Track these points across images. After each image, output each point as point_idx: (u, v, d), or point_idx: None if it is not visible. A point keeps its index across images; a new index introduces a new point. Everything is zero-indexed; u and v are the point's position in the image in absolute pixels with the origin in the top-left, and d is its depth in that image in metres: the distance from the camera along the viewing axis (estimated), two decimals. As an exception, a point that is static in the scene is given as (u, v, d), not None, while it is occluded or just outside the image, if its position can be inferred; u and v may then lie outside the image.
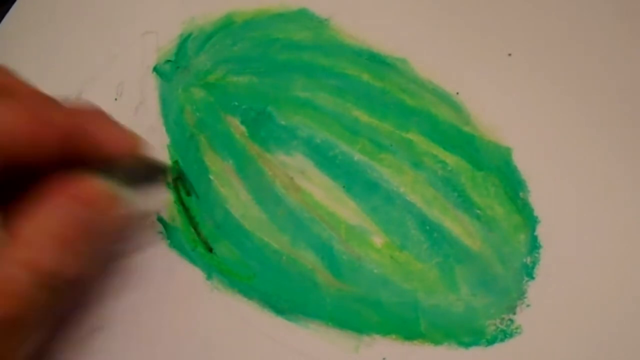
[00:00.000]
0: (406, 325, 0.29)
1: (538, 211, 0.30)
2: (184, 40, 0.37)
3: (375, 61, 0.35)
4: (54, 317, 0.25)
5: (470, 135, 0.32)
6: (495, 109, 0.33)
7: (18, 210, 0.22)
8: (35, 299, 0.21)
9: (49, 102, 0.24)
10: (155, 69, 0.36)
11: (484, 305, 0.29)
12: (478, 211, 0.31)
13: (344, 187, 0.31)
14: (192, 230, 0.31)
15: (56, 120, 0.23)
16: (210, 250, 0.30)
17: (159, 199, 0.32)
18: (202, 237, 0.31)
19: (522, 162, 0.31)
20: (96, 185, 0.24)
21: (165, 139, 0.34)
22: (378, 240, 0.30)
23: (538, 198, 0.31)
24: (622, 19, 0.34)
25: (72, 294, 0.25)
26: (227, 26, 0.37)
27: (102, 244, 0.25)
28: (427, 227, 0.30)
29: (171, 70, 0.36)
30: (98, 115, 0.26)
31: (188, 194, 0.32)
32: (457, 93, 0.33)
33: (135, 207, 0.29)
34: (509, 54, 0.34)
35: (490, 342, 0.28)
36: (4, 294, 0.21)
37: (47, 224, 0.22)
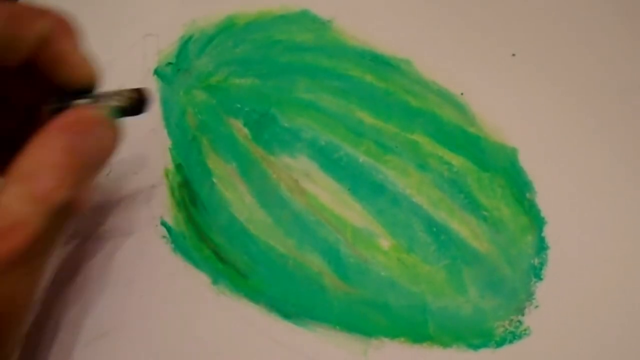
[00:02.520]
0: (414, 328, 0.28)
1: (545, 212, 0.30)
2: (185, 43, 0.37)
3: (379, 62, 0.35)
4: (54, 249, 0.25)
5: (475, 136, 0.32)
6: (500, 109, 0.33)
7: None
8: (42, 229, 0.22)
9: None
10: (156, 72, 0.36)
11: (493, 307, 0.29)
12: (485, 213, 0.30)
13: (349, 189, 0.31)
14: (198, 235, 0.31)
15: (34, 25, 0.24)
16: (219, 257, 0.30)
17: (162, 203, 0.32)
18: (211, 245, 0.30)
19: (528, 162, 0.31)
20: (87, 112, 0.25)
21: (167, 142, 0.33)
22: (385, 242, 0.30)
23: (545, 199, 0.30)
24: (625, 19, 0.35)
25: (71, 220, 0.25)
26: (228, 28, 0.37)
27: (97, 168, 0.25)
28: (434, 229, 0.30)
29: (172, 72, 0.36)
30: (66, 27, 0.26)
31: (193, 203, 0.31)
32: (462, 94, 0.33)
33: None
34: (513, 54, 0.34)
35: (499, 343, 0.28)
36: (12, 229, 0.21)
37: (44, 155, 0.23)
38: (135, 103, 0.27)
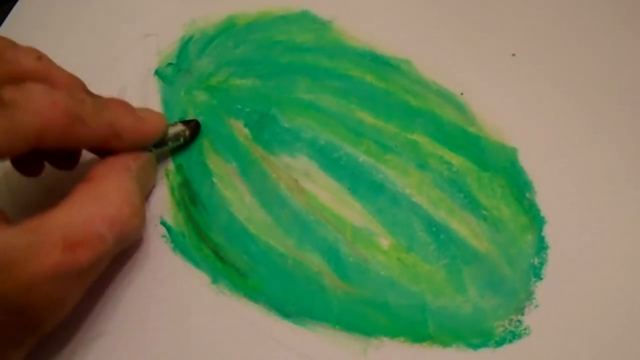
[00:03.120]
0: (414, 328, 0.28)
1: (545, 212, 0.30)
2: (185, 43, 0.37)
3: (379, 62, 0.35)
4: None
5: (475, 136, 0.32)
6: (500, 109, 0.33)
7: None
8: (111, 249, 0.25)
9: (83, 94, 0.27)
10: (156, 72, 0.36)
11: (492, 307, 0.29)
12: (484, 212, 0.30)
13: (349, 188, 0.31)
14: (198, 235, 0.31)
15: (90, 120, 0.26)
16: (218, 256, 0.30)
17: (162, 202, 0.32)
18: (210, 244, 0.30)
19: (528, 162, 0.31)
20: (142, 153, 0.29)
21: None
22: (384, 242, 0.30)
23: (544, 198, 0.31)
24: (625, 19, 0.35)
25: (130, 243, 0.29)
26: (229, 28, 0.37)
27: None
28: (434, 229, 0.30)
29: (173, 73, 0.36)
30: (127, 110, 0.29)
31: (193, 202, 0.32)
32: (462, 93, 0.33)
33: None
34: (513, 54, 0.34)
35: (499, 343, 0.28)
36: (87, 243, 0.24)
37: (118, 183, 0.26)
38: (190, 136, 0.33)
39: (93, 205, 0.25)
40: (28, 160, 0.29)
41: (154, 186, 0.31)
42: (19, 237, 0.22)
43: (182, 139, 0.32)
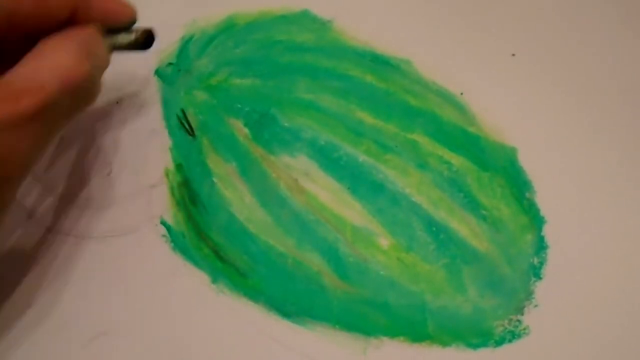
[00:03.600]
0: (414, 327, 0.28)
1: (544, 211, 0.30)
2: (185, 43, 0.37)
3: (379, 62, 0.35)
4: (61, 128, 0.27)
5: (475, 135, 0.32)
6: (500, 109, 0.33)
7: None
8: (54, 97, 0.25)
9: None
10: (157, 72, 0.36)
11: (492, 307, 0.29)
12: (484, 212, 0.30)
13: (349, 188, 0.31)
14: (197, 234, 0.31)
15: None
16: (218, 256, 0.30)
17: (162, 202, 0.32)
18: (210, 244, 0.30)
19: (528, 162, 0.31)
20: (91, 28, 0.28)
21: (168, 142, 0.33)
22: (384, 241, 0.30)
23: (544, 198, 0.31)
24: (625, 19, 0.35)
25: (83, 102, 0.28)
26: (229, 28, 0.37)
27: (100, 72, 0.29)
28: (434, 229, 0.30)
29: (173, 73, 0.36)
30: None
31: (193, 202, 0.32)
32: (462, 93, 0.33)
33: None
34: (513, 54, 0.34)
35: (499, 343, 0.28)
36: (27, 91, 0.24)
37: (64, 41, 0.26)
38: (142, 39, 0.31)
39: (35, 61, 0.25)
40: None
41: (105, 59, 0.30)
42: None
43: (133, 36, 0.31)
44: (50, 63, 0.25)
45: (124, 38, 0.31)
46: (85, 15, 0.28)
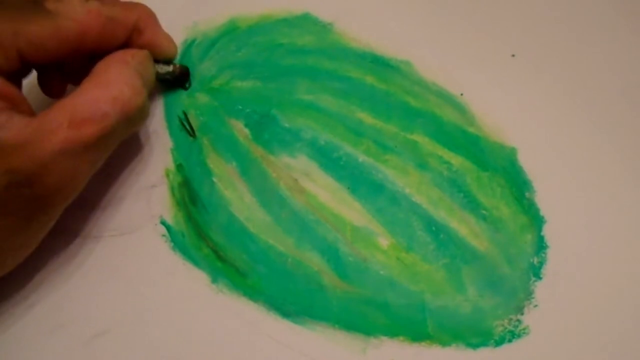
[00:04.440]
0: (413, 327, 0.28)
1: (544, 211, 0.30)
2: (188, 46, 0.37)
3: (379, 64, 0.35)
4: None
5: (475, 136, 0.32)
6: (500, 109, 0.33)
7: None
8: (115, 126, 0.27)
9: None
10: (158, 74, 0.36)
11: (492, 306, 0.29)
12: (484, 212, 0.30)
13: (348, 188, 0.31)
14: (197, 234, 0.31)
15: (120, 19, 0.30)
16: (218, 256, 0.30)
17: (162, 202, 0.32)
18: (210, 243, 0.31)
19: (528, 162, 0.31)
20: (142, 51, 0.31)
21: (169, 143, 0.34)
22: (384, 241, 0.30)
23: (544, 198, 0.31)
24: (625, 19, 0.35)
25: (135, 126, 0.30)
26: (231, 32, 0.37)
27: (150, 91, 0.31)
28: (433, 228, 0.30)
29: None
30: (151, 17, 0.32)
31: (193, 202, 0.32)
32: (462, 94, 0.33)
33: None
34: (513, 55, 0.34)
35: (498, 342, 0.28)
36: (91, 120, 0.26)
37: (122, 71, 0.29)
38: (179, 72, 0.35)
39: (96, 89, 0.27)
40: (54, 79, 0.32)
41: (153, 83, 0.32)
42: (32, 122, 0.25)
43: (171, 69, 0.34)
44: (112, 93, 0.27)
45: (163, 68, 0.34)
46: (137, 42, 0.31)
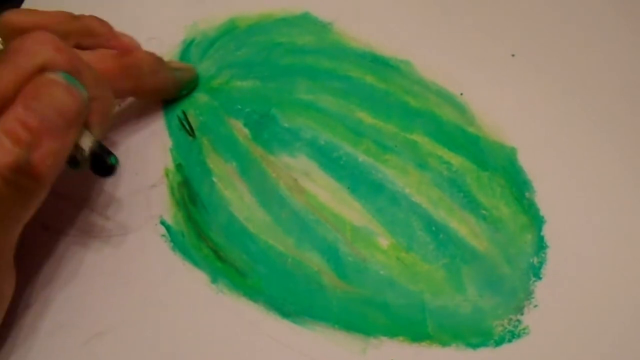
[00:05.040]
0: (413, 327, 0.28)
1: (544, 211, 0.30)
2: (187, 46, 0.37)
3: (379, 63, 0.35)
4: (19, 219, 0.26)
5: (474, 135, 0.32)
6: (500, 109, 0.33)
7: None
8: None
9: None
10: (158, 74, 0.36)
11: (492, 306, 0.28)
12: (484, 212, 0.30)
13: (348, 188, 0.31)
14: (197, 234, 0.31)
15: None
16: (218, 256, 0.30)
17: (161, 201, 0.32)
18: (210, 243, 0.31)
19: (527, 162, 0.31)
20: (44, 76, 0.25)
21: (169, 143, 0.34)
22: (384, 241, 0.30)
23: (544, 198, 0.30)
24: (625, 19, 0.35)
25: (37, 194, 0.26)
26: (230, 31, 0.37)
27: (56, 130, 0.25)
28: (433, 228, 0.30)
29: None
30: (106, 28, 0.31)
31: (193, 202, 0.32)
32: (461, 94, 0.33)
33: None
34: (513, 55, 0.34)
35: (498, 343, 0.28)
36: None
37: (4, 124, 0.24)
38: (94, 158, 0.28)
39: None
40: None
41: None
42: None
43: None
44: None
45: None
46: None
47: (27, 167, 0.24)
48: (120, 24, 0.39)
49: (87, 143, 0.27)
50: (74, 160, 0.27)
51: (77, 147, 0.27)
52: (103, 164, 0.27)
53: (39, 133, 0.24)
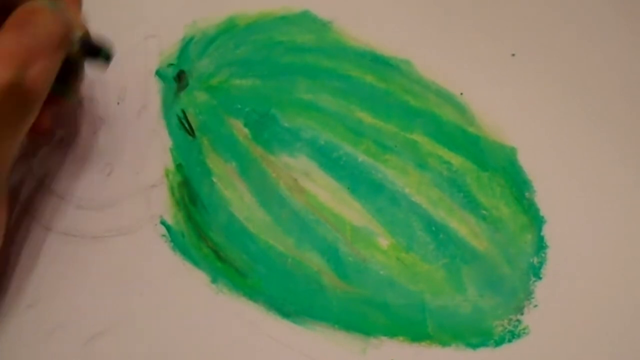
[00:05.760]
0: (413, 327, 0.28)
1: (544, 211, 0.30)
2: (186, 44, 0.37)
3: (379, 63, 0.35)
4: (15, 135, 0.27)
5: (474, 135, 0.32)
6: (500, 109, 0.33)
7: None
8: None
9: None
10: (157, 73, 0.36)
11: (492, 306, 0.29)
12: (484, 212, 0.30)
13: (348, 188, 0.31)
14: (197, 234, 0.31)
15: None
16: (218, 256, 0.30)
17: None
18: (210, 243, 0.31)
19: (527, 162, 0.31)
20: (30, 5, 0.28)
21: (168, 142, 0.34)
22: (384, 241, 0.30)
23: (544, 198, 0.31)
24: (625, 19, 0.35)
25: (31, 108, 0.27)
26: (229, 29, 0.37)
27: (44, 50, 0.27)
28: (433, 228, 0.30)
29: (173, 73, 0.36)
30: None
31: (193, 202, 0.32)
32: (461, 94, 0.33)
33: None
34: (513, 54, 0.34)
35: (498, 343, 0.28)
36: None
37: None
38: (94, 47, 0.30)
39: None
40: None
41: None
42: None
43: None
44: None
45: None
46: None
47: (22, 85, 0.26)
48: (120, 22, 0.39)
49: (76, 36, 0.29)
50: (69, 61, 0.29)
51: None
52: (94, 47, 0.30)
53: (32, 54, 0.27)
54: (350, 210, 0.31)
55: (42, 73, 0.27)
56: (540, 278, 0.29)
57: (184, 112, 0.34)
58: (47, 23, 0.28)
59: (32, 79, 0.27)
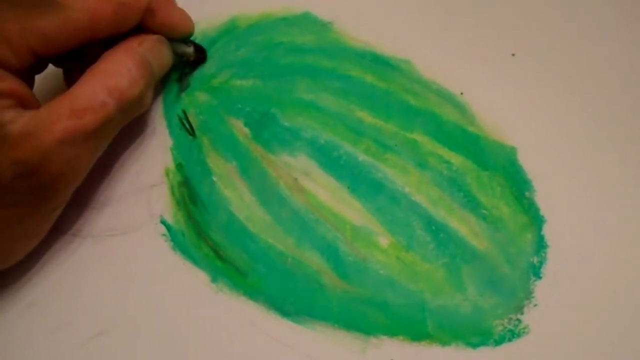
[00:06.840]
0: (413, 326, 0.28)
1: (544, 211, 0.30)
2: (187, 45, 0.37)
3: (379, 62, 0.35)
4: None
5: (475, 135, 0.32)
6: (500, 108, 0.33)
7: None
8: (112, 116, 0.28)
9: None
10: (158, 73, 0.36)
11: (492, 306, 0.29)
12: (484, 211, 0.30)
13: (348, 187, 0.31)
14: (197, 233, 0.31)
15: (131, 3, 0.30)
16: (218, 255, 0.30)
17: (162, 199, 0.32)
18: (210, 243, 0.31)
19: (528, 161, 0.31)
20: (153, 35, 0.31)
21: (169, 142, 0.34)
22: (384, 241, 0.30)
23: (544, 197, 0.31)
24: (625, 19, 0.35)
25: (133, 115, 0.30)
26: (230, 31, 0.37)
27: (157, 77, 0.32)
28: (433, 228, 0.30)
29: (175, 75, 0.36)
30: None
31: (193, 201, 0.32)
32: (462, 93, 0.33)
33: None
34: (513, 54, 0.34)
35: (498, 342, 0.28)
36: (89, 110, 0.27)
37: (122, 60, 0.29)
38: (196, 51, 0.35)
39: (95, 79, 0.28)
40: (75, 70, 0.31)
41: (167, 66, 0.33)
42: (36, 114, 0.26)
43: (188, 50, 0.34)
44: (108, 83, 0.28)
45: (180, 48, 0.34)
46: (151, 24, 0.31)
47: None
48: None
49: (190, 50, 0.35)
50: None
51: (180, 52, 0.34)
52: (202, 53, 0.36)
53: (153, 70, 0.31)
54: (350, 209, 0.31)
55: (150, 96, 0.31)
56: (540, 278, 0.29)
57: (184, 112, 0.34)
58: (164, 54, 0.32)
59: (145, 101, 0.31)
